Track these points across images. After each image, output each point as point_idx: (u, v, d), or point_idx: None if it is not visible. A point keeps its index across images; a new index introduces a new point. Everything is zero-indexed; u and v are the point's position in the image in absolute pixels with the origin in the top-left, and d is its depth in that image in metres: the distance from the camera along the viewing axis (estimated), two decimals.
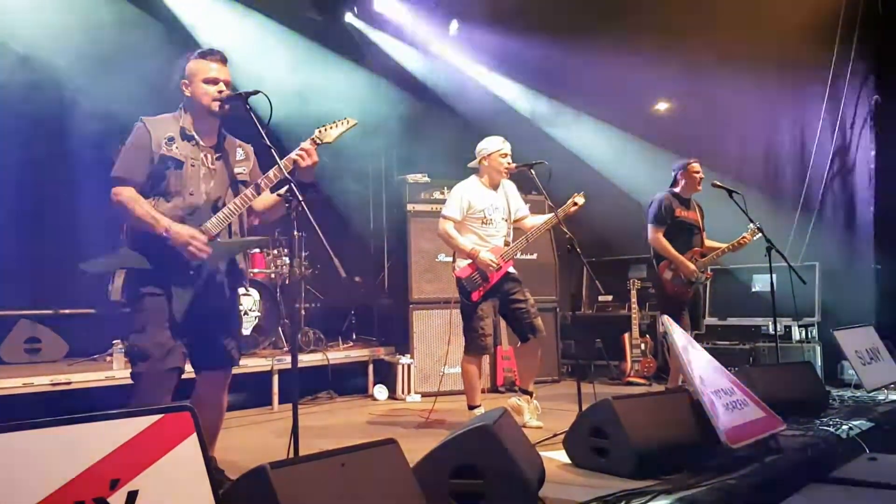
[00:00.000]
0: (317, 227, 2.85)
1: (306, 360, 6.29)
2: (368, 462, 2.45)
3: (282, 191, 3.07)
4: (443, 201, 6.21)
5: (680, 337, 4.04)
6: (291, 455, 2.75)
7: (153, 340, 2.97)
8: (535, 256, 7.22)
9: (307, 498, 2.20)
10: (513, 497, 2.78)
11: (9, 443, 1.72)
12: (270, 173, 3.15)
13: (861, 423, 4.57)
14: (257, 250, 6.70)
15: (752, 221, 5.49)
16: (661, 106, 8.32)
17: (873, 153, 6.95)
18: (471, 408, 4.86)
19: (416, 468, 2.80)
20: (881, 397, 5.51)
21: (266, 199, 3.30)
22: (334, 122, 3.29)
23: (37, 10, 5.69)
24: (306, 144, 3.20)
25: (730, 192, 5.55)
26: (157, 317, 2.99)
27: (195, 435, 2.02)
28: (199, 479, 1.98)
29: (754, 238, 5.47)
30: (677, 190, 5.67)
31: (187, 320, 3.05)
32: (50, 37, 5.85)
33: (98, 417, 1.89)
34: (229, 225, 3.17)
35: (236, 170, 3.28)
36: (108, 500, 1.79)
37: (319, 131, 3.26)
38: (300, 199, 2.91)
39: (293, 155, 3.16)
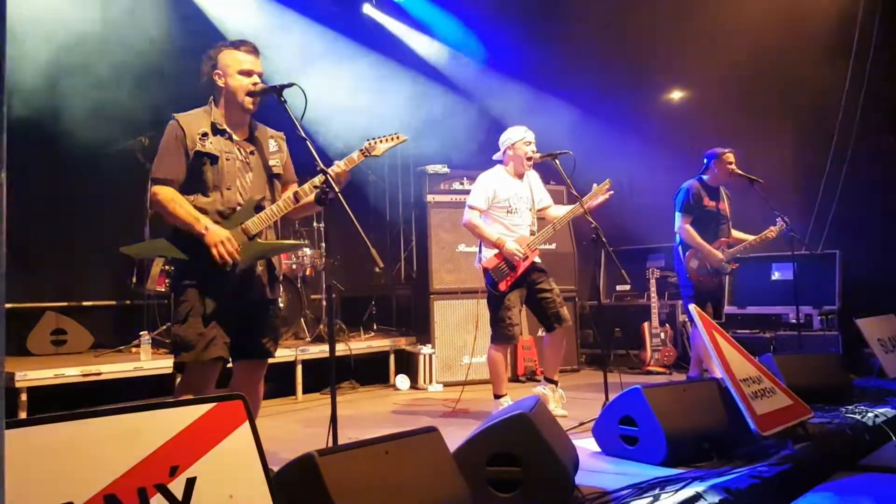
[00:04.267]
0: (354, 220, 2.88)
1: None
2: (411, 449, 2.48)
3: (317, 181, 3.09)
4: (463, 192, 6.24)
5: (708, 326, 4.05)
6: (330, 443, 2.80)
7: (196, 331, 3.00)
8: (554, 246, 7.23)
9: (353, 484, 2.23)
10: (550, 484, 2.81)
11: (74, 431, 1.75)
12: (307, 186, 3.18)
13: (886, 411, 4.59)
14: None
15: (776, 212, 5.49)
16: (678, 94, 8.31)
17: (894, 140, 6.93)
18: (497, 397, 4.89)
19: (453, 456, 2.83)
20: None
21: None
22: (385, 137, 3.31)
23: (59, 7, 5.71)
24: (354, 156, 3.23)
25: (751, 181, 5.55)
26: (200, 308, 3.02)
27: (248, 423, 2.05)
28: (252, 465, 2.01)
29: (781, 231, 5.48)
30: (706, 178, 5.66)
31: (223, 312, 3.08)
32: (69, 31, 5.89)
33: (155, 406, 1.92)
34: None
35: (271, 162, 3.30)
36: (169, 486, 1.83)
37: (369, 143, 3.29)
38: (336, 191, 2.94)
39: (341, 164, 3.19)
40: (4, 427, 0.99)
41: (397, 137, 3.35)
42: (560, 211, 5.04)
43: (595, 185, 4.91)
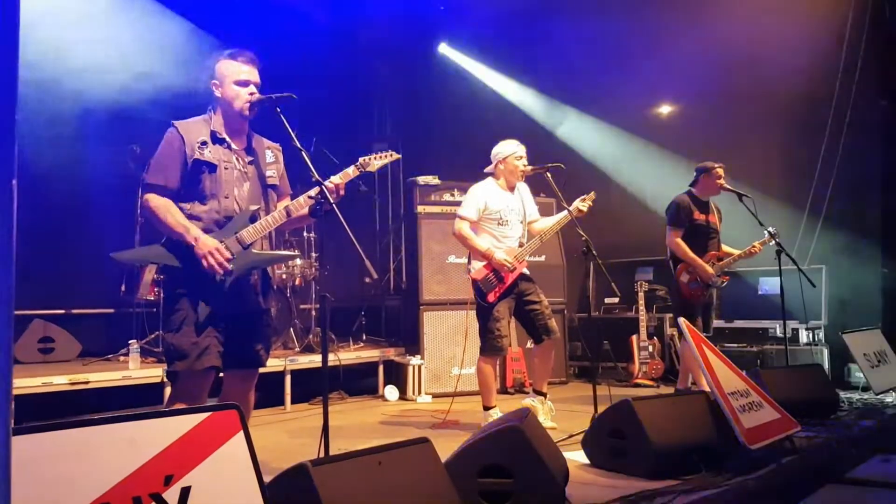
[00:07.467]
0: (349, 230, 2.90)
1: (318, 360, 6.32)
2: (404, 460, 2.49)
3: (312, 192, 3.12)
4: (454, 203, 6.26)
5: (697, 339, 4.08)
6: (322, 453, 2.80)
7: (190, 339, 3.00)
8: (543, 258, 7.26)
9: (346, 494, 2.24)
10: (541, 497, 2.83)
11: (68, 439, 1.76)
12: (302, 199, 3.19)
13: (872, 425, 4.64)
14: None
15: (763, 225, 5.54)
16: (666, 108, 8.38)
17: (880, 156, 7.01)
18: (486, 408, 4.90)
19: (445, 467, 2.84)
20: (889, 399, 5.57)
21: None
22: (379, 154, 3.40)
23: (57, 10, 5.72)
24: (350, 170, 3.29)
25: (739, 196, 5.60)
26: (193, 316, 3.02)
27: (242, 432, 2.06)
28: (246, 475, 2.02)
29: (770, 244, 5.53)
30: (696, 191, 5.70)
31: (216, 321, 3.08)
32: (65, 36, 5.88)
33: (150, 415, 1.93)
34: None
35: (267, 173, 3.32)
36: (163, 495, 1.83)
37: (364, 160, 3.36)
38: (332, 202, 2.97)
39: (336, 179, 3.23)
40: (9, 434, 1.00)
41: (390, 155, 3.42)
42: (547, 222, 5.07)
43: (585, 196, 4.99)
